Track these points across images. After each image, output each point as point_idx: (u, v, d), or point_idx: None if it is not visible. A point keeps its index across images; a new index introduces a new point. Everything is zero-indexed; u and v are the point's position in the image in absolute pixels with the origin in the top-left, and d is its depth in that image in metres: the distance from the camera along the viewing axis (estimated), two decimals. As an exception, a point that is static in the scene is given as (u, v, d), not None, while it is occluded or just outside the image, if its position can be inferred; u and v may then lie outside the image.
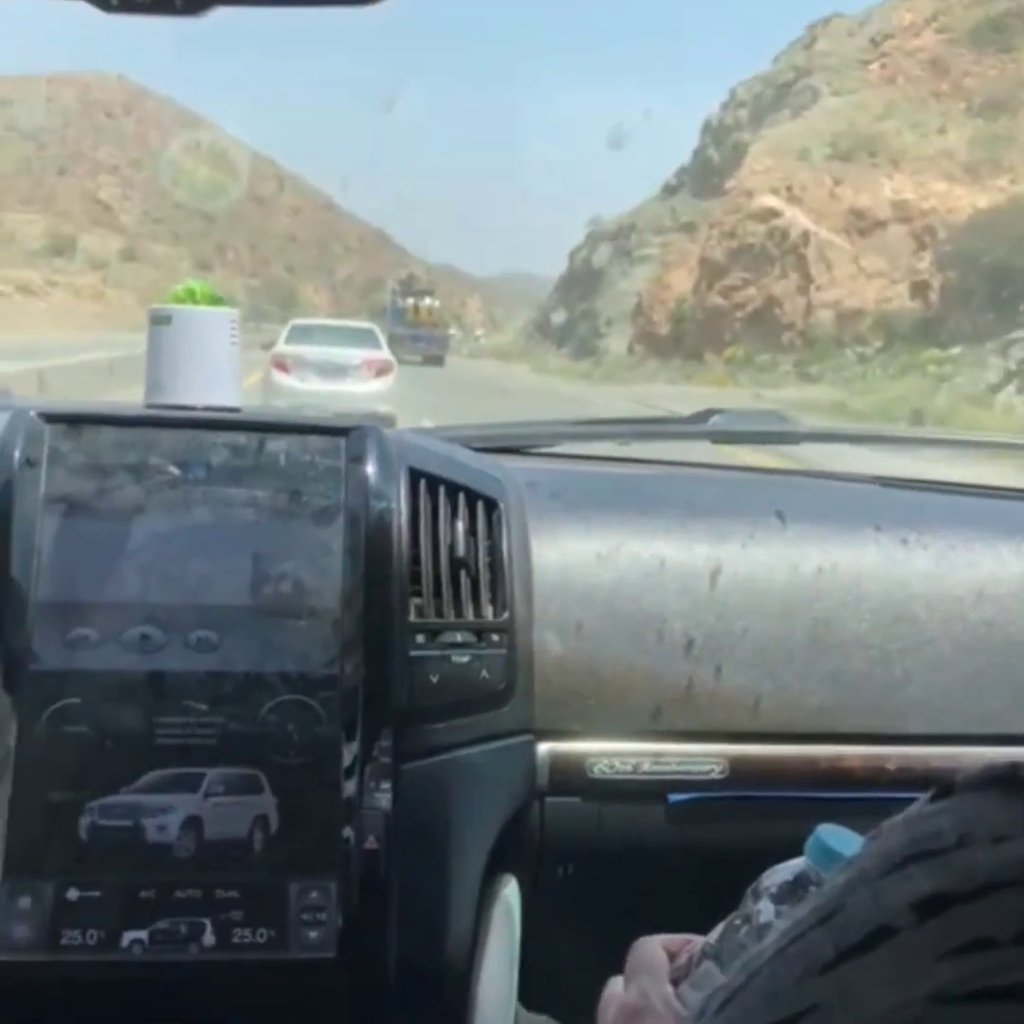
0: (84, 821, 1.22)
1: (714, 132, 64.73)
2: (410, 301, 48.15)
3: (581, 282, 66.58)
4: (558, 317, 67.54)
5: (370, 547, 1.32)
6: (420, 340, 44.64)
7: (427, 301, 48.46)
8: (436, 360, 42.77)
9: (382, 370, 16.57)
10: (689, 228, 55.21)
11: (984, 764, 0.51)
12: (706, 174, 60.97)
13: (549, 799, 1.41)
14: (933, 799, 0.52)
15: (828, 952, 0.51)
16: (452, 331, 59.89)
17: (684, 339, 45.09)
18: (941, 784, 0.52)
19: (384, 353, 17.43)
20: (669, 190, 67.88)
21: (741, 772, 1.42)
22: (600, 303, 58.16)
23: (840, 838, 0.83)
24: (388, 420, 1.73)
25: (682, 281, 48.98)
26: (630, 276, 56.89)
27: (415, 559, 1.35)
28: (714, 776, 1.42)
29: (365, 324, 21.26)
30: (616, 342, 53.93)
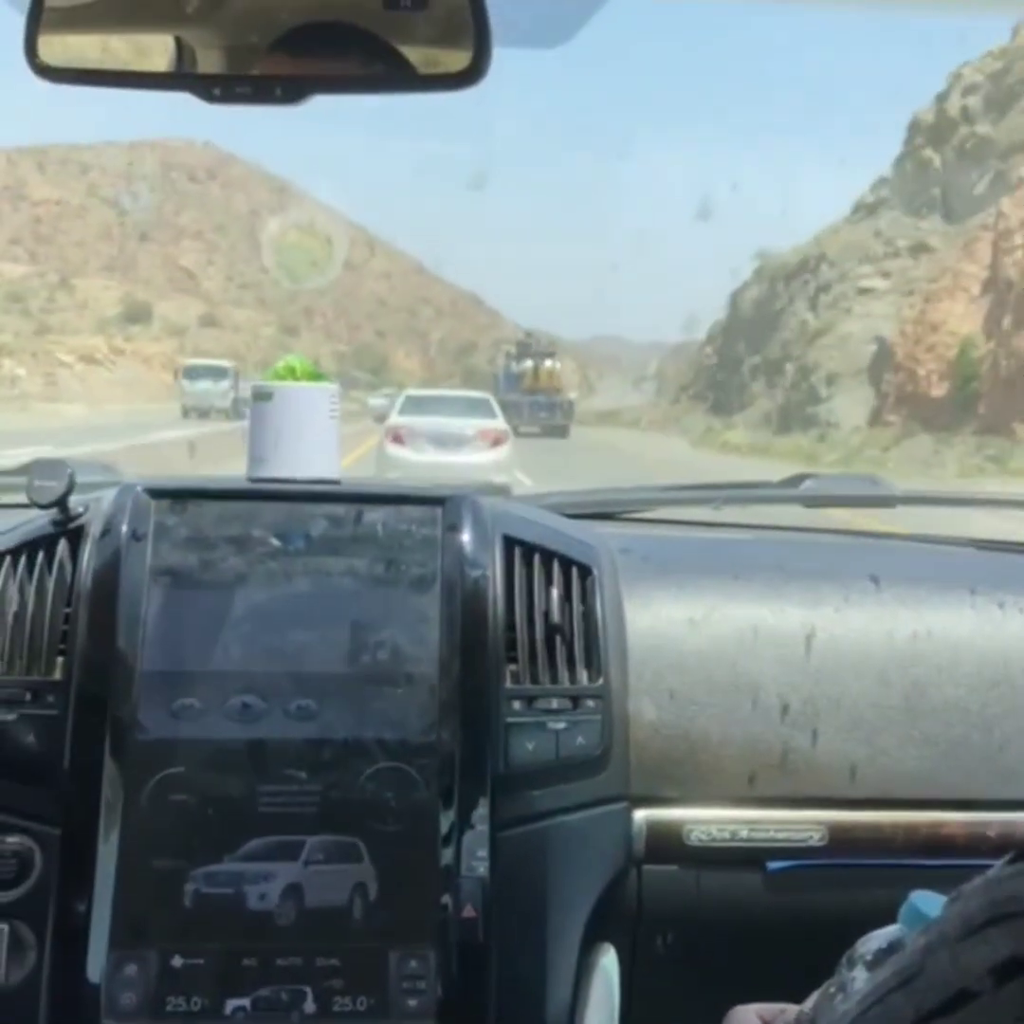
0: (188, 889, 1.24)
1: (930, 130, 50.47)
2: (528, 363, 43.28)
3: (750, 328, 53.76)
4: (719, 374, 54.88)
5: (466, 615, 1.34)
6: (540, 408, 39.50)
7: (548, 363, 43.32)
8: (559, 430, 37.99)
9: (498, 440, 16.30)
10: (919, 250, 44.14)
11: None
12: (924, 181, 48.89)
13: (646, 867, 1.40)
14: (1012, 862, 0.52)
15: (908, 1015, 0.52)
16: (572, 395, 50.94)
17: (973, 403, 31.79)
18: (1020, 847, 0.52)
19: (499, 422, 17.09)
20: (866, 209, 53.16)
21: (840, 839, 1.41)
22: (811, 354, 42.37)
23: (933, 904, 0.82)
24: (504, 491, 1.75)
25: (958, 318, 35.35)
26: (848, 315, 43.05)
27: (510, 626, 1.37)
28: (813, 843, 1.40)
29: (480, 393, 21.01)
30: (846, 407, 38.86)
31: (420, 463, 14.61)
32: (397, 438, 15.80)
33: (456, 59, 1.09)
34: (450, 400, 18.90)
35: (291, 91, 1.12)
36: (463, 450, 15.57)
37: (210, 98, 1.15)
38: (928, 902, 0.83)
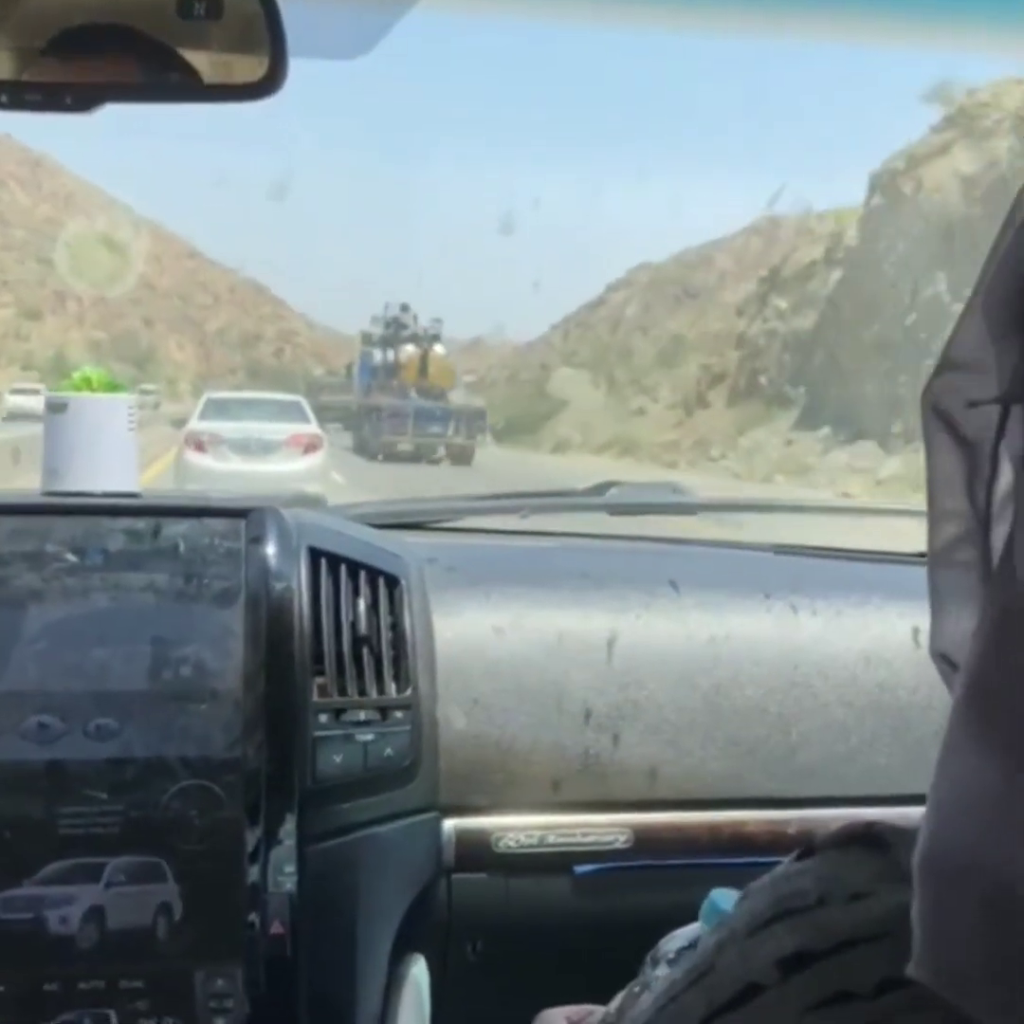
0: None
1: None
2: (408, 349, 29.63)
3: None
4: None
5: (271, 628, 1.33)
6: (431, 419, 26.58)
7: (439, 350, 30.14)
8: (459, 454, 26.05)
9: (311, 446, 14.93)
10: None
11: (844, 823, 0.53)
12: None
13: (456, 876, 1.41)
14: (798, 858, 0.54)
15: (700, 1010, 0.53)
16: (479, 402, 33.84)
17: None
18: (805, 844, 0.55)
19: (312, 427, 15.72)
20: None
21: (645, 841, 1.44)
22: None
23: (732, 901, 0.84)
24: (318, 502, 1.74)
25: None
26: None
27: (317, 638, 1.36)
28: (618, 846, 1.43)
29: (290, 396, 19.08)
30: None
31: (224, 472, 13.29)
32: (198, 445, 14.37)
33: (252, 69, 1.09)
34: (257, 403, 17.65)
35: (82, 99, 1.10)
36: (272, 458, 14.31)
37: None
38: (727, 899, 0.85)
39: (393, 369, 29.72)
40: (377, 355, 30.98)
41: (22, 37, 1.15)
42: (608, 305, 68.03)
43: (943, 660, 0.50)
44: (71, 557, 1.33)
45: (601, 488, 1.99)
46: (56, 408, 1.47)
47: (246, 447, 14.21)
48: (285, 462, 14.25)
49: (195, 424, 15.07)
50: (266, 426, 14.86)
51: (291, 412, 16.17)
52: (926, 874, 0.46)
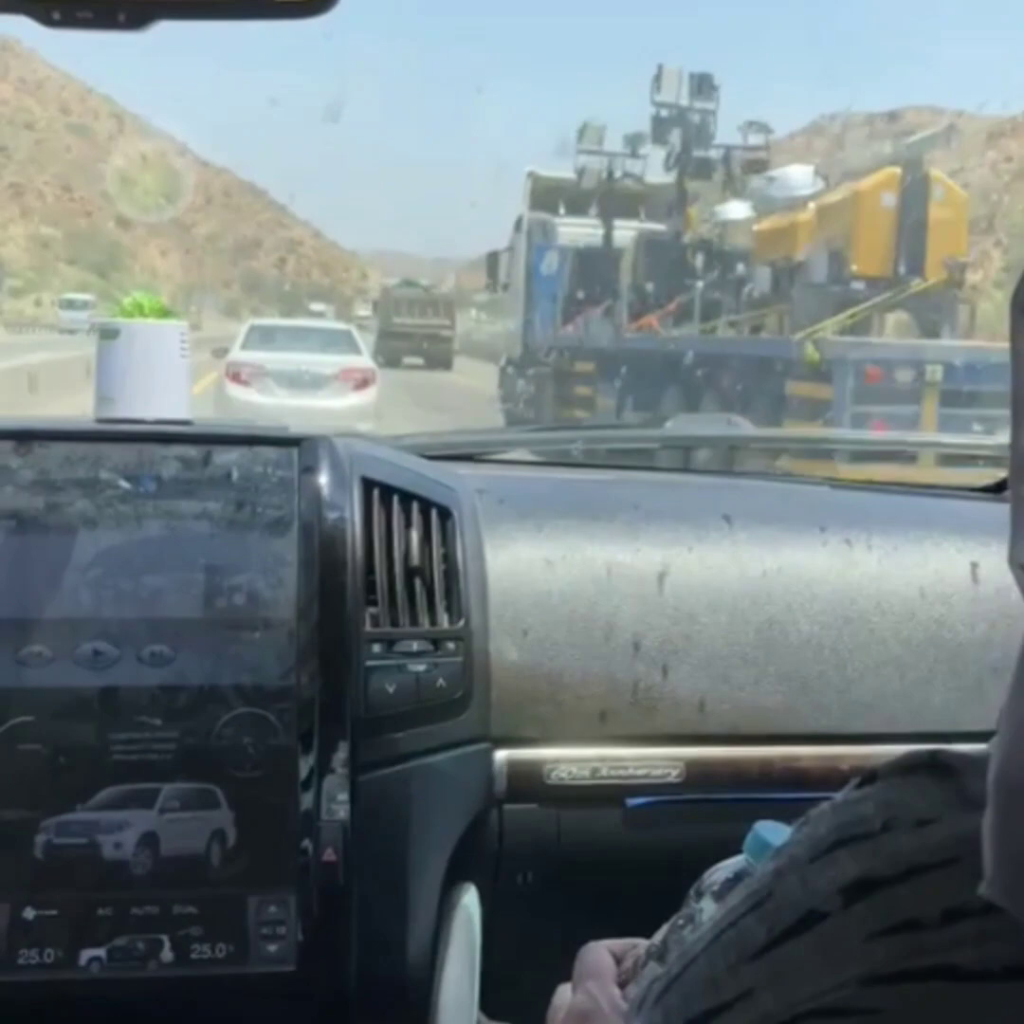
0: (40, 839, 1.21)
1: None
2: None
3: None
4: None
5: (324, 557, 1.32)
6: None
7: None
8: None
9: (363, 381, 13.63)
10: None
11: (907, 751, 0.52)
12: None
13: (507, 806, 1.41)
14: (859, 786, 0.53)
15: (760, 937, 0.53)
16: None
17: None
18: (867, 772, 0.53)
19: (365, 360, 14.43)
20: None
21: (697, 775, 1.43)
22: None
23: (777, 833, 0.84)
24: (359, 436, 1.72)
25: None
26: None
27: (370, 568, 1.36)
28: (671, 779, 1.42)
29: (341, 325, 18.28)
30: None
31: (269, 407, 12.26)
32: (240, 378, 13.13)
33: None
34: (305, 331, 16.32)
35: (135, 16, 1.08)
36: (321, 393, 13.15)
37: (49, 22, 1.10)
38: (772, 832, 0.84)
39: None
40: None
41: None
42: None
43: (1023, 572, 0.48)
44: (124, 484, 1.33)
45: (657, 420, 1.97)
46: (108, 334, 1.46)
47: (293, 380, 13.20)
48: (335, 397, 13.21)
49: (237, 354, 13.83)
50: (315, 358, 13.72)
51: (341, 343, 14.95)
52: (1001, 792, 0.45)
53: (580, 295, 15.81)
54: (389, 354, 30.28)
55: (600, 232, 16.09)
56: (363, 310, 50.27)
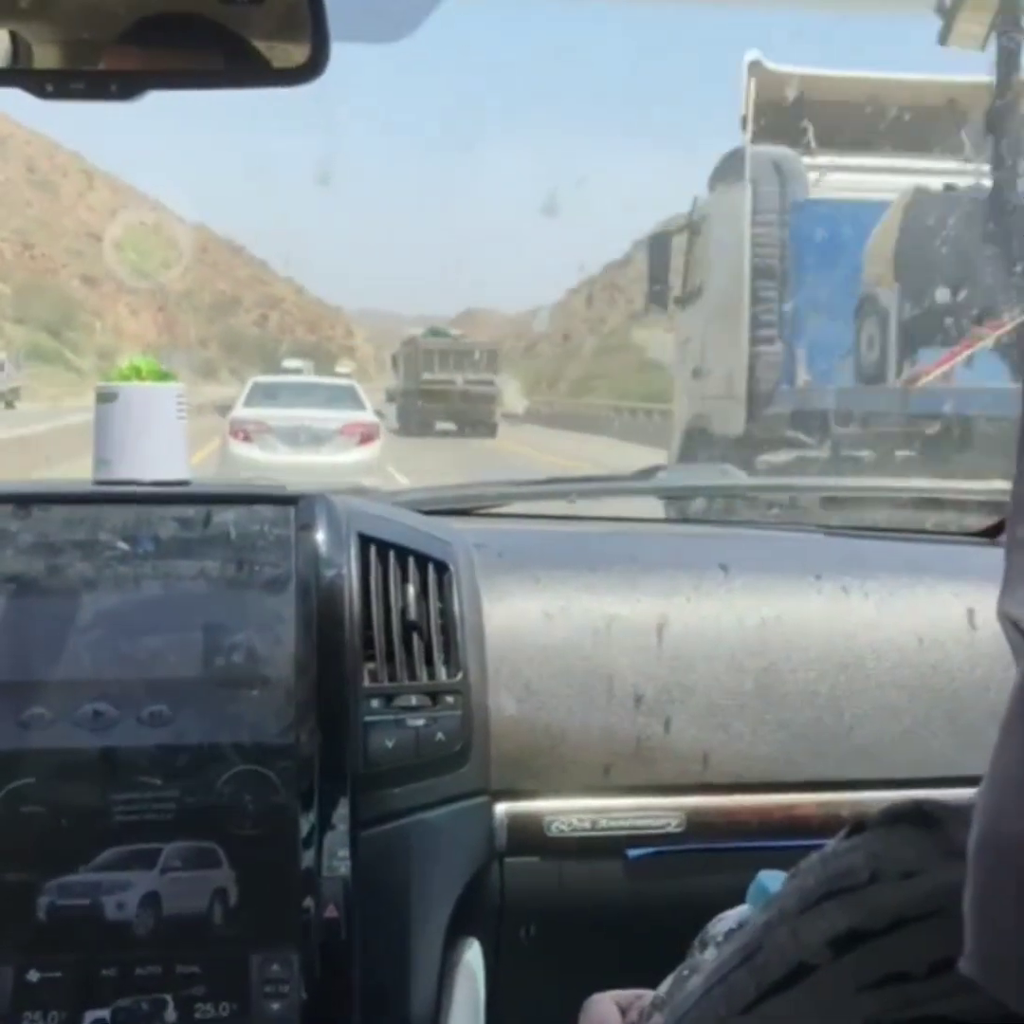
0: (42, 901, 1.22)
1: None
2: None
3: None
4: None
5: (322, 614, 1.33)
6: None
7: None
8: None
9: (367, 436, 13.51)
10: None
11: (893, 801, 0.52)
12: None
13: (508, 859, 1.41)
14: (847, 836, 0.54)
15: (750, 990, 0.53)
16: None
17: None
18: (855, 822, 0.54)
19: (368, 415, 14.26)
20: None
21: (697, 824, 1.43)
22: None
23: (779, 882, 0.84)
24: (368, 492, 1.74)
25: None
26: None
27: (367, 624, 1.36)
28: (671, 830, 1.42)
29: (344, 380, 17.67)
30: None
31: (272, 464, 12.16)
32: (243, 435, 13.07)
33: (295, 53, 1.09)
34: (308, 388, 16.33)
35: (126, 87, 1.10)
36: (324, 449, 13.04)
37: (43, 94, 1.13)
38: (775, 881, 0.84)
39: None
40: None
41: (66, 27, 1.16)
42: (636, 264, 63.59)
43: (1013, 626, 0.47)
44: (123, 545, 1.34)
45: (649, 472, 1.99)
46: (106, 398, 1.48)
47: (296, 437, 13.07)
48: (338, 453, 13.08)
49: (240, 411, 13.75)
50: (317, 413, 13.60)
51: (344, 398, 14.83)
52: (981, 853, 0.45)
53: (914, 306, 8.20)
54: (418, 419, 26.75)
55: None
56: (343, 367, 47.71)
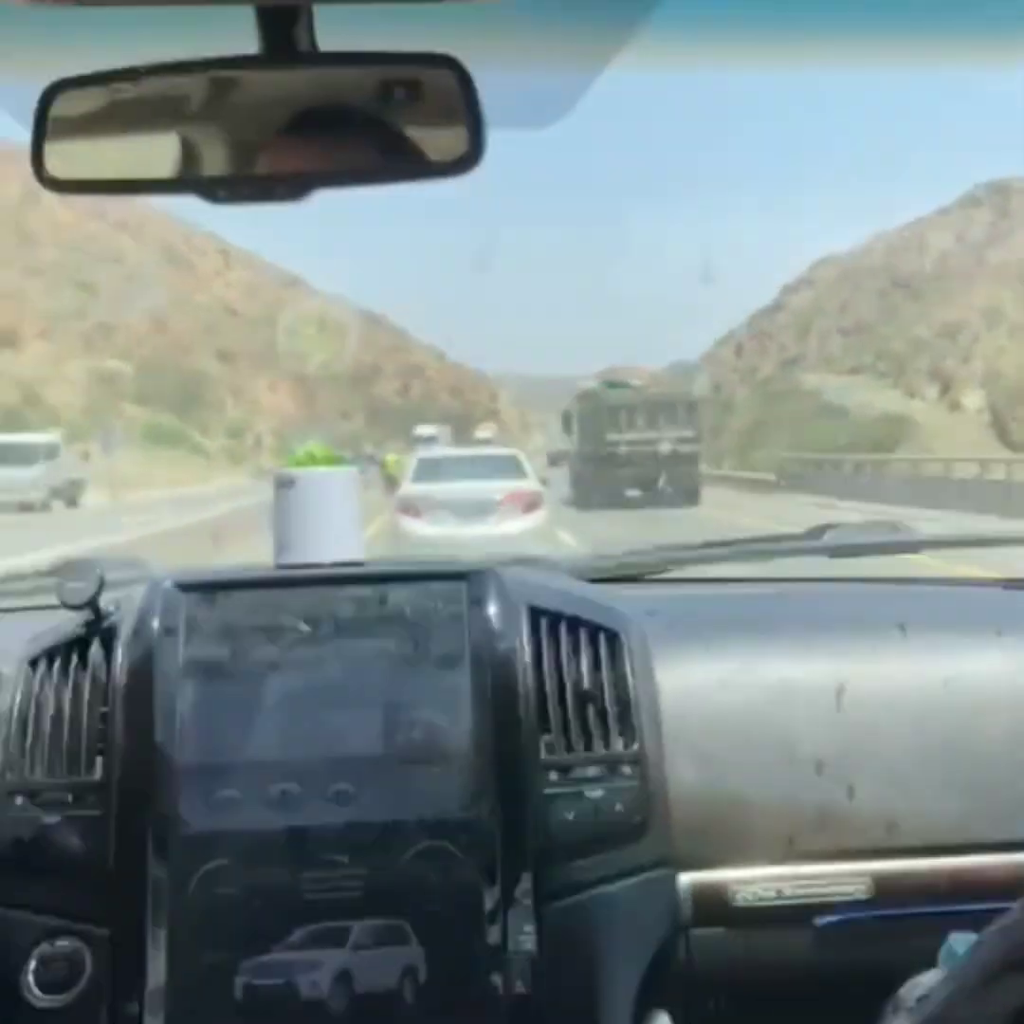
0: (239, 981, 1.24)
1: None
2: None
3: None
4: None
5: (497, 689, 1.35)
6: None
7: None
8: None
9: (531, 504, 13.91)
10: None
11: None
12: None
13: (694, 931, 1.39)
14: None
15: None
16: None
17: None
18: None
19: (532, 483, 14.59)
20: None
21: (885, 890, 1.40)
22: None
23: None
24: (537, 562, 1.75)
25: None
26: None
27: (542, 696, 1.37)
28: (858, 896, 1.39)
29: (506, 451, 17.84)
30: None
31: (439, 537, 12.60)
32: (412, 510, 13.73)
33: (452, 145, 1.11)
34: (470, 460, 16.53)
35: (292, 188, 1.15)
36: (490, 519, 13.42)
37: (215, 199, 1.18)
38: (965, 943, 0.83)
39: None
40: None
41: (230, 128, 1.21)
42: (788, 310, 61.29)
43: None
44: (304, 627, 1.38)
45: (818, 531, 1.96)
46: (284, 483, 1.53)
47: (462, 509, 13.46)
48: (504, 522, 13.47)
49: (407, 488, 14.50)
50: (482, 485, 14.03)
51: (508, 468, 15.07)
52: None
53: None
54: (601, 487, 23.04)
55: None
56: (484, 431, 47.04)
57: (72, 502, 27.53)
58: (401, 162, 1.15)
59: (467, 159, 1.09)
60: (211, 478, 44.59)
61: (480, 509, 13.45)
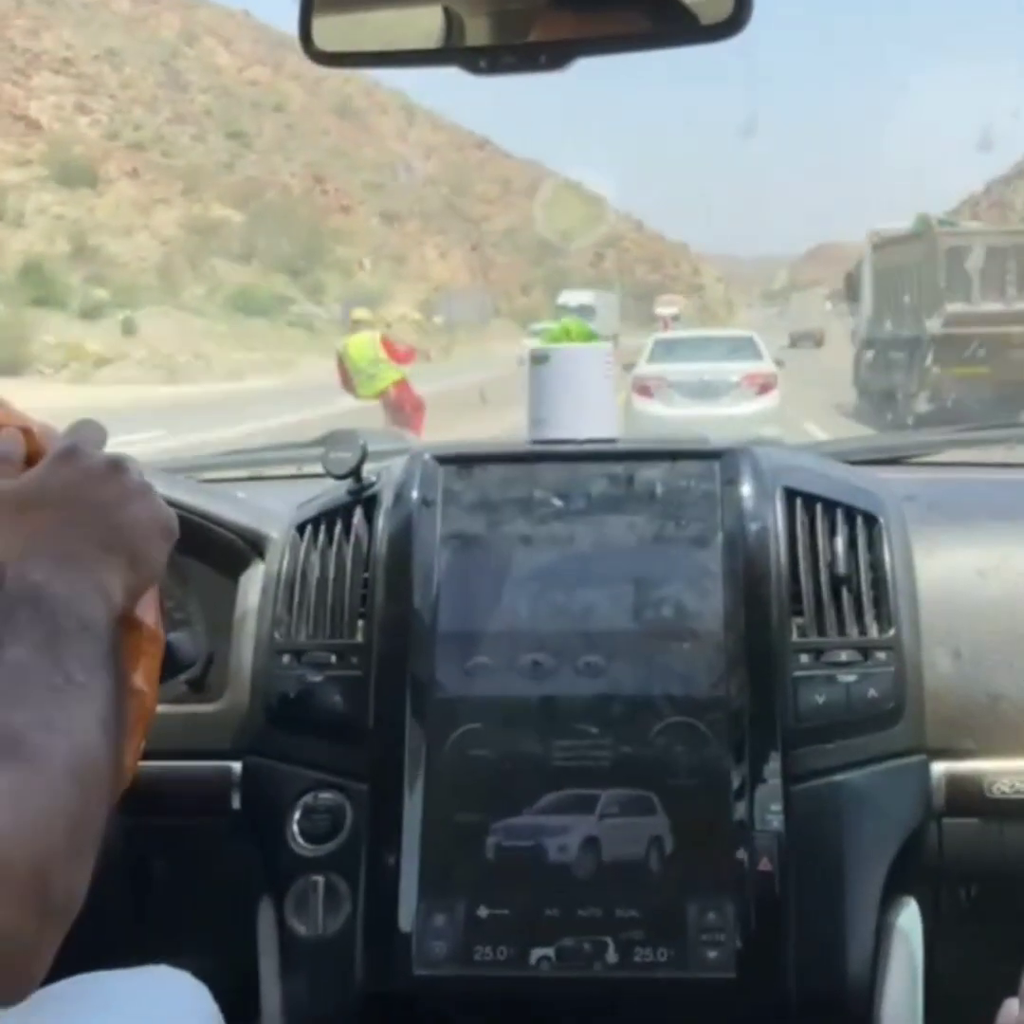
0: (490, 841, 1.28)
1: None
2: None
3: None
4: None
5: (749, 569, 1.33)
6: None
7: None
8: None
9: (766, 386, 13.82)
10: None
11: None
12: None
13: (946, 820, 1.37)
14: None
15: None
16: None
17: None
18: None
19: (767, 365, 14.33)
20: None
21: None
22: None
23: None
24: (775, 443, 1.72)
25: None
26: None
27: (795, 578, 1.35)
28: None
29: (743, 332, 17.79)
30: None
31: (673, 417, 12.77)
32: (645, 390, 13.71)
33: (719, 7, 1.07)
34: (706, 341, 16.66)
35: (556, 57, 1.12)
36: (723, 400, 13.42)
37: (477, 70, 1.17)
38: None
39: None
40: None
41: (496, 2, 1.19)
42: None
43: None
44: (557, 502, 1.39)
45: None
46: (539, 360, 1.53)
47: (696, 390, 13.59)
48: (738, 404, 13.41)
49: (642, 368, 14.40)
50: (717, 366, 14.02)
51: (743, 350, 14.94)
52: None
53: None
54: (929, 384, 15.69)
55: None
56: (666, 308, 43.29)
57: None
58: (669, 26, 1.12)
59: (736, 21, 1.05)
60: (299, 362, 36.32)
61: (713, 390, 13.52)
